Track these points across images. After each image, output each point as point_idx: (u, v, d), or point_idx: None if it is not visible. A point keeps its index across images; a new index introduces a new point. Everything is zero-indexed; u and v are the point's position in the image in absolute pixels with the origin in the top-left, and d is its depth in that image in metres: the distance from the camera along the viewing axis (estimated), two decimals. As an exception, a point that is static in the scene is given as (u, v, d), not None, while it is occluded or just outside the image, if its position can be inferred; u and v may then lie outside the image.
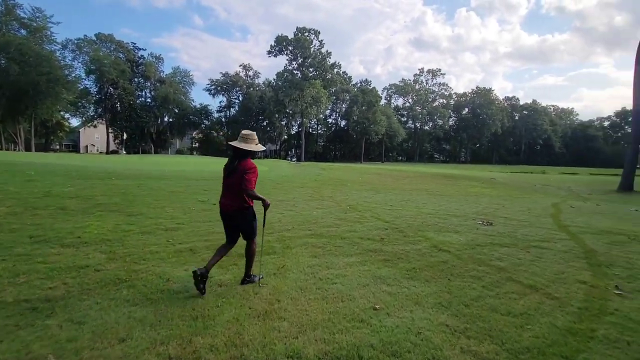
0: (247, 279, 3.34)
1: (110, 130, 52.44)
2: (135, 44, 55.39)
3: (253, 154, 3.21)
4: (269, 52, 54.33)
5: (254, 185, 3.09)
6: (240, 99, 61.72)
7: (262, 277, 3.41)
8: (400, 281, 3.55)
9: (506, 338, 2.49)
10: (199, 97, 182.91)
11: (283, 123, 61.85)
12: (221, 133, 65.85)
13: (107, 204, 6.67)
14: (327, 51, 55.17)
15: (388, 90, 76.16)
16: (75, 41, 45.04)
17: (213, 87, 59.43)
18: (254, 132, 3.23)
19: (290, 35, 53.20)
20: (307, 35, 53.08)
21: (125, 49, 52.18)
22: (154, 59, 56.18)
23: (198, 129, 63.95)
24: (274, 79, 56.38)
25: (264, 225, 3.31)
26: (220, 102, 62.66)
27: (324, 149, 72.50)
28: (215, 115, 63.34)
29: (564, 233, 6.22)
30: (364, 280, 3.52)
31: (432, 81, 75.70)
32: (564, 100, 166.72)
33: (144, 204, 6.86)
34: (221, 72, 63.46)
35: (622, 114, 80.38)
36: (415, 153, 76.56)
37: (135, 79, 54.79)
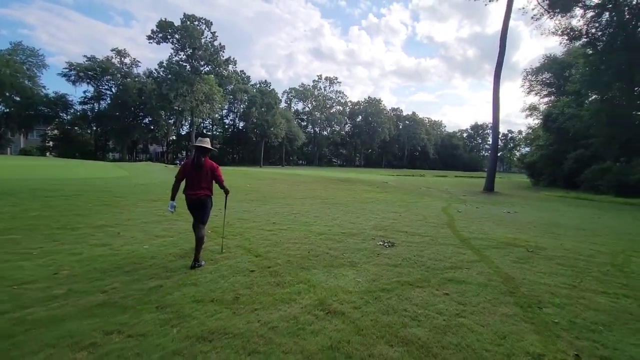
0: (197, 263, 3.83)
1: None
2: (-56, 3, 40.18)
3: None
4: (150, 38, 46.46)
5: None
6: (114, 90, 51.27)
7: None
8: None
9: None
10: (58, 85, 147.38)
11: (171, 121, 54.12)
12: (88, 130, 53.75)
13: None
14: (220, 44, 50.38)
15: (288, 94, 75.70)
16: None
17: (73, 72, 47.50)
18: (208, 138, 4.18)
19: (177, 22, 46.89)
20: (197, 25, 47.49)
21: None
22: (-22, 28, 41.87)
23: (53, 124, 50.51)
24: (156, 69, 48.87)
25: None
26: (85, 93, 50.84)
27: (220, 151, 66.82)
28: (78, 107, 51.17)
29: (470, 250, 5.27)
30: None
31: (329, 88, 78.45)
32: (434, 113, 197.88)
33: None
34: (85, 56, 51.54)
35: (475, 127, 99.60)
36: (315, 157, 77.92)
37: (-55, 52, 39.83)
